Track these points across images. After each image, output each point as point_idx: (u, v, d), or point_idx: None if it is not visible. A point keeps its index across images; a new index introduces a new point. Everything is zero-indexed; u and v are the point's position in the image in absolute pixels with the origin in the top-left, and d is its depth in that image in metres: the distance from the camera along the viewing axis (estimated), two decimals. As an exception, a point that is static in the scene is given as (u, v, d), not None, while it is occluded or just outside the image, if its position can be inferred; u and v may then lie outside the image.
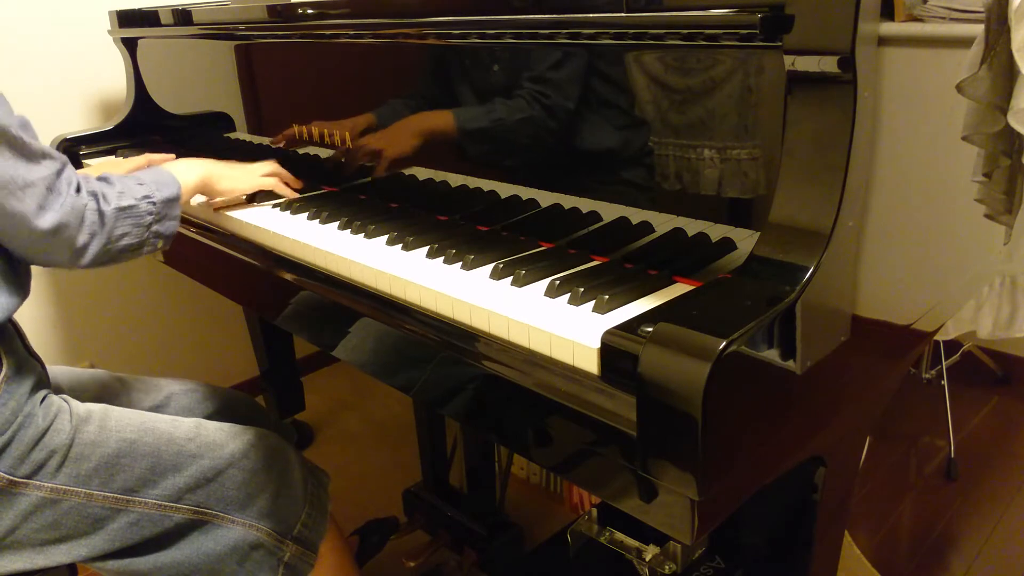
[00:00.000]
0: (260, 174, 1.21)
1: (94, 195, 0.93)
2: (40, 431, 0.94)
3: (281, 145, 1.36)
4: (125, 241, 0.97)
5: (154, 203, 0.99)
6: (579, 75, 0.87)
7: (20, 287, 0.96)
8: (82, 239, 0.92)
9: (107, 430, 0.99)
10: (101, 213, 0.93)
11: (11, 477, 0.92)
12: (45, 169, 0.88)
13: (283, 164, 1.28)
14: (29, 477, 0.93)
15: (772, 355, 0.63)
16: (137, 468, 0.98)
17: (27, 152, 0.86)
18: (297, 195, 1.23)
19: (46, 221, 0.88)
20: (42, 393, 0.99)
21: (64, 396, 1.02)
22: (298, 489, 1.09)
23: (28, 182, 0.86)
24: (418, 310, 0.85)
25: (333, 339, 0.99)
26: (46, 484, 0.94)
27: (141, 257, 1.02)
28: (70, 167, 0.93)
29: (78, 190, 0.92)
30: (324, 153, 1.27)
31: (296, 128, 1.30)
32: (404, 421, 2.15)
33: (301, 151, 1.32)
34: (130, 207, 0.96)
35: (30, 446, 0.93)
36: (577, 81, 0.88)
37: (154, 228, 1.00)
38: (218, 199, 1.21)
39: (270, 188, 1.21)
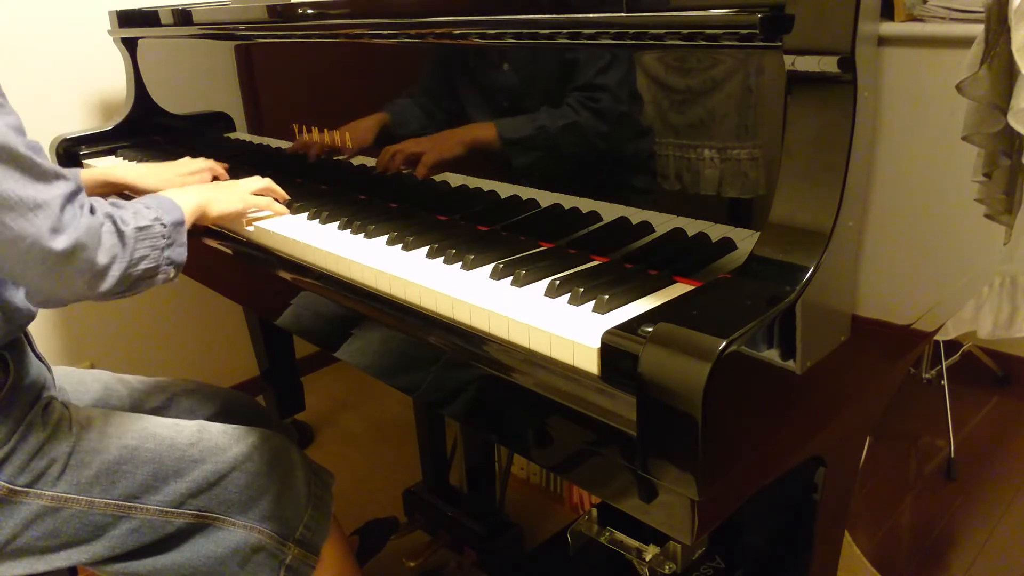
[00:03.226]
0: (251, 191, 1.15)
1: (110, 216, 0.89)
2: (41, 439, 0.94)
3: (280, 145, 1.36)
4: (144, 265, 0.92)
5: (165, 225, 0.95)
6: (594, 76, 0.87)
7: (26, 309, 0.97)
8: (102, 260, 0.86)
9: (108, 436, 0.99)
10: (121, 233, 0.89)
11: (11, 486, 0.92)
12: (57, 189, 0.83)
13: (283, 163, 1.28)
14: (30, 486, 0.93)
15: (772, 355, 0.63)
16: (139, 475, 0.98)
17: (37, 172, 0.81)
18: (288, 211, 1.17)
19: (60, 243, 0.82)
20: (45, 399, 0.99)
21: (65, 402, 1.02)
22: (301, 491, 1.08)
23: (39, 203, 0.80)
24: (418, 310, 0.85)
25: (333, 339, 0.99)
26: (47, 492, 0.94)
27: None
28: (84, 190, 0.88)
29: (92, 211, 0.87)
30: (324, 153, 1.27)
31: (295, 128, 1.30)
32: (404, 421, 2.15)
33: (300, 151, 1.32)
34: (147, 227, 0.92)
35: (31, 454, 0.93)
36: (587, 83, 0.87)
37: (166, 253, 0.95)
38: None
39: (263, 207, 1.16)
